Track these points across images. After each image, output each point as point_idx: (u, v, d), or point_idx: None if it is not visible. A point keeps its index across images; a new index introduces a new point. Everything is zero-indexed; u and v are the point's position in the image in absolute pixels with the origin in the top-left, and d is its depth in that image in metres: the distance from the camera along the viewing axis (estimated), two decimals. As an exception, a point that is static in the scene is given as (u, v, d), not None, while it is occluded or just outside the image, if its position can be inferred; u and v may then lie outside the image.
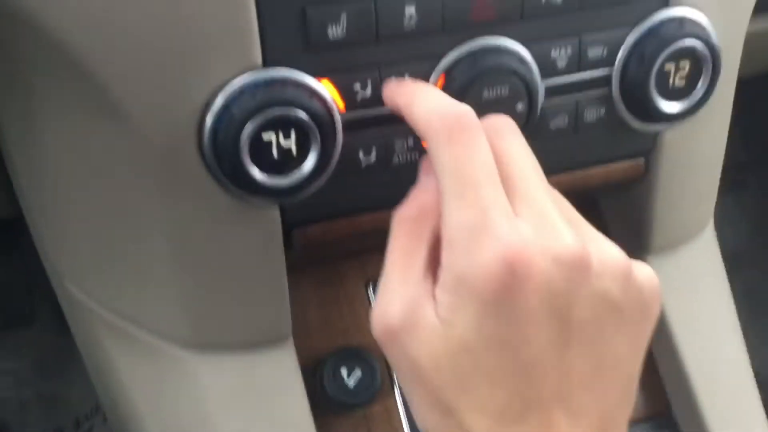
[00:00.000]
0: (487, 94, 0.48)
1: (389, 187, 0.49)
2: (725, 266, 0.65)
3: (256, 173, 0.44)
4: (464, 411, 0.37)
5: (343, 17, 0.44)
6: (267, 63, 0.44)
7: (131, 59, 0.43)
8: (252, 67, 0.44)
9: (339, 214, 0.51)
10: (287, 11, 0.44)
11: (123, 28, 0.42)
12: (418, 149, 0.49)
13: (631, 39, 0.51)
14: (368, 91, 0.47)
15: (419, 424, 0.40)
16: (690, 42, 0.50)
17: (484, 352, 0.37)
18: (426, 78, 0.48)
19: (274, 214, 0.49)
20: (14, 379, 1.02)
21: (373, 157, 0.49)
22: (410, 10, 0.45)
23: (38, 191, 0.56)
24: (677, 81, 0.51)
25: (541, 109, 0.50)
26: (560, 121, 0.52)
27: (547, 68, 0.50)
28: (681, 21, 0.51)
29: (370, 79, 0.46)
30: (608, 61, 0.51)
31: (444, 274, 0.38)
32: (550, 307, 0.37)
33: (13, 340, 1.03)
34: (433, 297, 0.38)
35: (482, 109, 0.47)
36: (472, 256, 0.37)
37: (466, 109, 0.40)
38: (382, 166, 0.49)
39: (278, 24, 0.44)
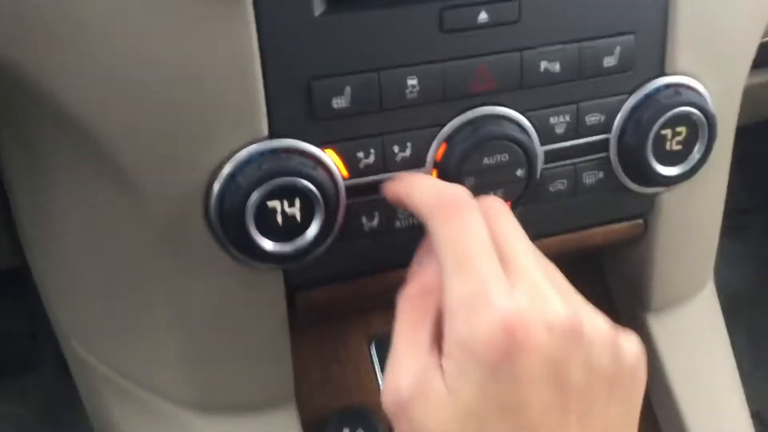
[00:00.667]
0: (488, 160, 0.49)
1: (391, 250, 0.50)
2: (729, 308, 0.66)
3: (262, 241, 0.45)
4: None
5: (348, 90, 0.46)
6: (273, 133, 0.46)
7: (141, 130, 0.44)
8: (258, 138, 0.45)
9: (342, 277, 0.51)
10: (293, 84, 0.45)
11: (133, 101, 0.43)
12: (420, 214, 0.50)
13: (628, 106, 0.52)
14: (371, 158, 0.48)
15: None
16: (686, 109, 0.51)
17: (488, 417, 0.39)
18: (428, 145, 0.49)
19: (278, 278, 0.50)
20: (18, 426, 1.03)
21: (375, 221, 0.50)
22: (412, 82, 0.47)
23: (45, 251, 0.56)
24: (674, 146, 0.53)
25: (541, 173, 0.52)
26: (560, 185, 0.53)
27: (546, 135, 0.51)
28: (677, 88, 0.52)
29: (373, 147, 0.47)
30: (606, 127, 0.52)
31: (448, 343, 0.40)
32: (548, 371, 0.39)
33: (18, 386, 1.04)
34: (440, 367, 0.40)
35: (483, 175, 0.49)
36: (472, 325, 0.39)
37: (460, 189, 0.43)
38: (385, 230, 0.50)
39: (284, 96, 0.45)
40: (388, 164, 0.48)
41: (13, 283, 0.87)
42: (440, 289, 0.41)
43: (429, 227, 0.42)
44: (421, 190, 0.44)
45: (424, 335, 0.41)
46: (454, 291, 0.40)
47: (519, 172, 0.50)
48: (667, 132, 0.52)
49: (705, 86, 0.53)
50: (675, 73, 0.52)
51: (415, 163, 0.49)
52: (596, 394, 0.40)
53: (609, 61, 0.50)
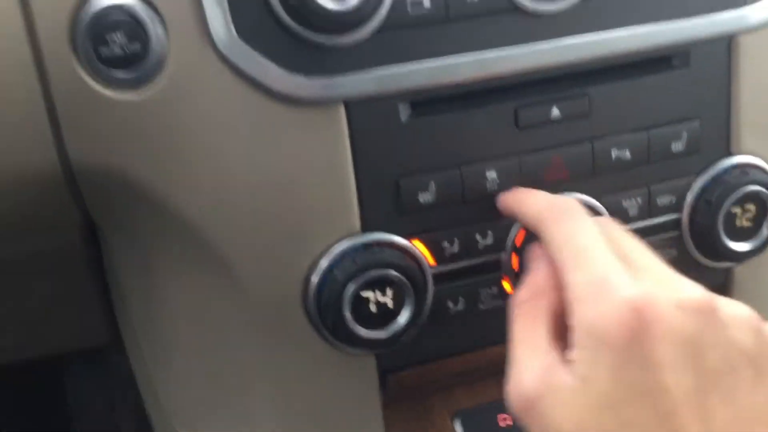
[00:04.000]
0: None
1: (476, 331, 0.53)
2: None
3: (358, 328, 0.49)
4: None
5: (433, 185, 0.49)
6: (365, 227, 0.49)
7: (246, 229, 0.48)
8: (352, 233, 0.49)
9: (431, 358, 0.54)
10: (383, 182, 0.49)
11: (239, 204, 0.48)
12: (502, 296, 0.53)
13: (697, 186, 0.54)
14: (455, 247, 0.51)
15: None
16: (754, 188, 0.54)
17: (625, 405, 0.37)
18: (508, 232, 0.52)
19: (371, 362, 0.53)
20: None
21: (460, 305, 0.52)
22: (492, 175, 0.50)
23: (150, 335, 0.61)
24: (744, 222, 0.55)
25: (616, 253, 0.54)
26: (634, 264, 0.55)
27: (619, 216, 0.53)
28: (743, 168, 0.54)
29: (457, 237, 0.51)
30: (677, 207, 0.55)
31: (575, 333, 0.39)
32: (682, 353, 0.37)
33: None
34: (564, 363, 0.39)
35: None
36: (599, 308, 0.38)
37: (570, 198, 0.45)
38: (470, 313, 0.53)
39: (375, 194, 0.49)
40: (471, 252, 0.51)
41: (97, 360, 0.92)
42: (552, 289, 0.42)
43: (542, 231, 0.44)
44: (533, 201, 0.47)
45: (542, 334, 0.41)
46: (576, 283, 0.40)
47: (595, 254, 0.53)
48: (737, 210, 0.54)
49: (770, 164, 0.55)
50: (740, 153, 0.55)
51: (496, 248, 0.52)
52: (740, 374, 0.38)
53: (677, 146, 0.53)
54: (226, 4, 0.44)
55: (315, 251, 0.49)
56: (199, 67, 0.45)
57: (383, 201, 0.49)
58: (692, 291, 0.39)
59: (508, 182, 0.50)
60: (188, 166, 0.47)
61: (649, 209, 0.54)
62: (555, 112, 0.50)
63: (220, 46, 0.44)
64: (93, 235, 0.59)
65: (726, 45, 0.53)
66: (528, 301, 0.43)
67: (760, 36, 0.53)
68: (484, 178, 0.50)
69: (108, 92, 0.44)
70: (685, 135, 0.53)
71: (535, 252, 0.46)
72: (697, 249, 0.56)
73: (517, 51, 0.48)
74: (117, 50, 0.44)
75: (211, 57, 0.45)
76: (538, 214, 0.45)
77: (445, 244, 0.51)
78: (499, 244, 0.52)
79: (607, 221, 0.46)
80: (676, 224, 0.55)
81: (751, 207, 0.54)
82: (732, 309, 0.39)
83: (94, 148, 0.46)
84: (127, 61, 0.44)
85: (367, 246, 0.49)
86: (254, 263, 0.49)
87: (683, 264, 0.56)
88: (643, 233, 0.54)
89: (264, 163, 0.47)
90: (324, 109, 0.47)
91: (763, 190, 0.54)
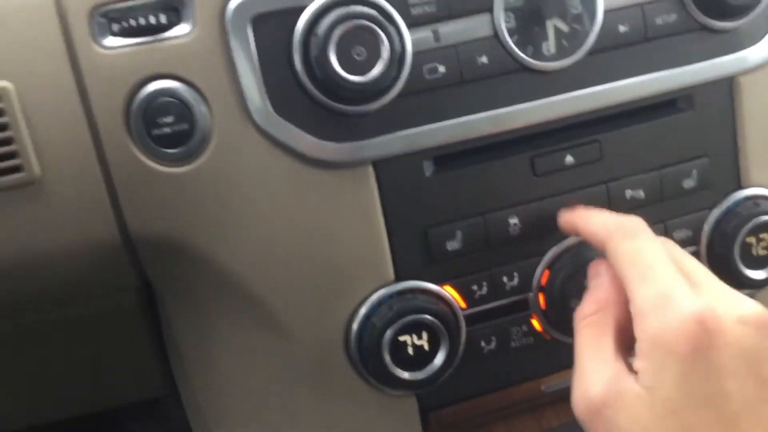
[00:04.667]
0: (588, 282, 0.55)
1: (510, 369, 0.56)
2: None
3: (398, 371, 0.52)
4: None
5: (459, 234, 0.53)
6: (398, 276, 0.53)
7: (289, 283, 0.53)
8: (387, 282, 0.53)
9: (469, 395, 0.57)
10: (412, 234, 0.53)
11: (282, 260, 0.52)
12: (532, 334, 0.56)
13: (712, 219, 0.57)
14: (484, 290, 0.55)
15: None
16: (766, 218, 0.56)
17: (689, 411, 0.39)
18: (532, 273, 0.55)
19: (412, 402, 0.56)
20: None
21: (493, 344, 0.56)
22: (513, 221, 0.54)
23: (204, 383, 0.65)
24: (760, 251, 0.57)
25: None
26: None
27: (639, 252, 0.56)
28: (755, 200, 0.57)
29: (485, 280, 0.54)
30: (694, 239, 0.58)
31: (640, 344, 0.41)
32: (745, 363, 0.40)
33: None
34: (630, 372, 0.41)
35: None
36: (664, 320, 0.41)
37: (636, 217, 0.47)
38: (502, 351, 0.56)
39: (406, 244, 0.53)
40: (499, 293, 0.55)
41: (153, 411, 0.96)
42: (615, 304, 0.44)
43: (609, 248, 0.46)
44: (601, 219, 0.48)
45: (608, 345, 0.43)
46: (642, 297, 0.42)
47: (617, 289, 0.56)
48: (752, 240, 0.57)
49: (780, 194, 0.58)
50: (751, 186, 0.58)
51: (523, 289, 0.55)
52: None
53: (688, 183, 0.56)
54: (262, 83, 0.49)
55: (354, 301, 0.53)
56: (240, 139, 0.50)
57: (414, 250, 0.53)
58: (752, 306, 0.41)
59: (529, 226, 0.54)
60: (234, 228, 0.51)
61: (667, 244, 0.57)
62: (569, 158, 0.54)
63: (258, 120, 0.49)
64: (149, 292, 0.64)
65: (728, 86, 0.56)
66: (592, 314, 0.45)
67: (759, 75, 0.56)
68: (507, 223, 0.54)
69: (160, 167, 0.49)
70: (695, 172, 0.56)
71: (596, 269, 0.48)
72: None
73: (529, 106, 0.52)
74: (167, 130, 0.49)
75: (250, 130, 0.49)
76: (606, 231, 0.47)
77: (474, 287, 0.54)
78: (525, 285, 0.55)
79: (670, 242, 0.48)
80: (695, 256, 0.58)
81: (766, 236, 0.57)
82: None
83: (150, 218, 0.51)
84: (176, 138, 0.49)
85: (401, 293, 0.53)
86: (298, 314, 0.53)
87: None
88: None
89: (302, 222, 0.52)
90: (354, 170, 0.51)
91: (776, 219, 0.57)
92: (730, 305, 0.41)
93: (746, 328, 0.40)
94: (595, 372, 0.42)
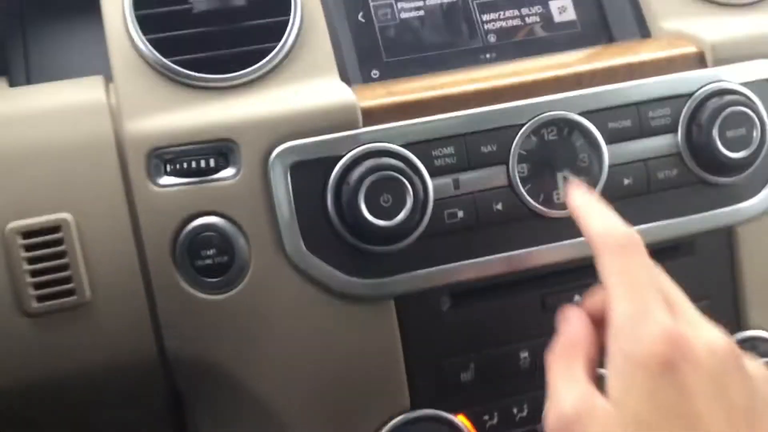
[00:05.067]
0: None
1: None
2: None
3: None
4: None
5: (472, 366, 0.57)
6: (414, 404, 0.57)
7: (311, 406, 0.56)
8: (403, 409, 0.57)
9: None
10: (428, 364, 0.57)
11: (306, 384, 0.56)
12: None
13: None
14: (495, 420, 0.58)
15: None
16: (764, 361, 0.59)
17: (659, 425, 0.39)
18: (541, 404, 0.58)
19: None
20: None
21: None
22: (524, 354, 0.58)
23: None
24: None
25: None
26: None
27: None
28: (753, 342, 0.60)
29: (497, 411, 0.58)
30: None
31: (612, 359, 0.42)
32: (712, 386, 0.40)
33: None
34: (600, 393, 0.42)
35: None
36: (637, 337, 0.41)
37: (632, 231, 0.47)
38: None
39: (421, 374, 0.57)
40: (510, 423, 0.58)
41: None
42: (585, 340, 0.46)
43: (601, 259, 0.46)
44: (597, 224, 0.48)
45: (578, 370, 0.44)
46: (619, 311, 0.43)
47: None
48: (751, 378, 0.60)
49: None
50: (749, 328, 0.61)
51: (532, 419, 0.58)
52: (763, 421, 0.41)
53: (689, 323, 0.60)
54: (296, 223, 0.54)
55: (370, 426, 0.56)
56: (274, 272, 0.54)
57: (429, 380, 0.57)
58: (722, 338, 0.43)
59: (539, 359, 0.57)
60: (263, 351, 0.56)
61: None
62: (577, 297, 0.58)
63: (292, 255, 0.54)
64: (177, 400, 0.67)
65: (726, 234, 0.60)
66: (563, 351, 0.47)
67: (755, 225, 0.60)
68: (518, 357, 0.57)
69: (200, 294, 0.54)
70: (696, 313, 0.60)
71: (564, 315, 0.49)
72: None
73: (540, 249, 0.57)
74: (209, 261, 0.54)
75: (284, 264, 0.54)
76: (600, 238, 0.47)
77: (486, 417, 0.58)
78: (535, 416, 0.58)
79: (660, 269, 0.48)
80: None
81: (764, 376, 0.60)
82: (755, 364, 0.43)
83: (187, 339, 0.55)
84: (217, 269, 0.54)
85: (416, 421, 0.56)
86: (319, 436, 0.57)
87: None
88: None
89: (327, 349, 0.56)
90: (377, 303, 0.55)
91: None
92: (702, 333, 0.42)
93: (714, 357, 0.41)
94: (566, 391, 0.43)
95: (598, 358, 0.45)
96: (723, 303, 0.61)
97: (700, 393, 0.40)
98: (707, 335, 0.42)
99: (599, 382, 0.44)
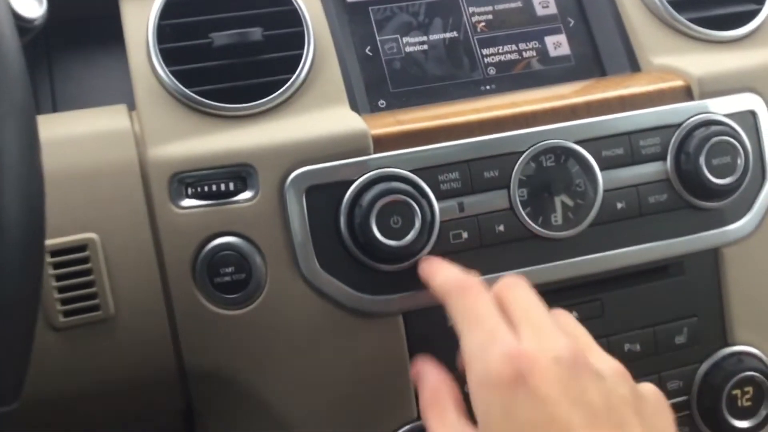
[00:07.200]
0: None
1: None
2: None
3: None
4: None
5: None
6: (419, 415, 0.59)
7: (323, 416, 0.59)
8: (410, 420, 0.60)
9: None
10: (434, 377, 0.60)
11: (318, 394, 0.59)
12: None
13: (701, 372, 0.64)
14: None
15: None
16: (749, 374, 0.63)
17: None
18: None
19: None
20: None
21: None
22: None
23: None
24: (744, 403, 0.64)
25: None
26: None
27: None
28: (739, 356, 0.64)
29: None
30: (685, 390, 0.64)
31: (471, 389, 0.46)
32: (563, 392, 0.43)
33: None
34: (472, 427, 0.46)
35: None
36: (485, 362, 0.45)
37: (471, 275, 0.52)
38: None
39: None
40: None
41: None
42: (446, 385, 0.50)
43: (448, 304, 0.51)
44: (441, 275, 0.53)
45: (450, 412, 0.49)
46: (468, 344, 0.47)
47: None
48: (737, 392, 0.63)
49: (763, 351, 0.65)
50: (735, 344, 0.65)
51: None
52: (625, 417, 0.43)
53: (679, 339, 0.64)
54: (310, 243, 0.57)
55: (380, 437, 0.59)
56: (289, 289, 0.58)
57: (435, 392, 0.60)
58: (565, 346, 0.45)
59: None
60: (277, 364, 0.58)
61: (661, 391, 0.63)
62: (574, 314, 0.61)
63: (306, 273, 0.57)
64: (189, 414, 0.70)
65: (713, 255, 0.64)
66: (431, 401, 0.51)
67: (741, 247, 0.64)
68: None
69: (218, 310, 0.57)
70: (686, 330, 0.63)
71: (416, 371, 0.54)
72: (706, 425, 0.64)
73: (539, 268, 0.60)
74: (227, 278, 0.57)
75: (298, 281, 0.57)
76: (445, 288, 0.52)
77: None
78: None
79: (509, 281, 0.52)
80: (687, 404, 0.64)
81: (749, 389, 0.64)
82: (604, 362, 0.46)
83: (205, 353, 0.58)
84: (234, 286, 0.57)
85: (422, 430, 0.59)
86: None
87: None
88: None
89: (338, 362, 0.59)
90: (386, 319, 0.59)
91: (758, 375, 0.63)
92: (547, 345, 0.45)
93: (560, 364, 0.44)
94: (440, 429, 0.48)
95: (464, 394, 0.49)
96: (710, 320, 0.64)
97: (556, 400, 0.42)
98: (551, 346, 0.45)
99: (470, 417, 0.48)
